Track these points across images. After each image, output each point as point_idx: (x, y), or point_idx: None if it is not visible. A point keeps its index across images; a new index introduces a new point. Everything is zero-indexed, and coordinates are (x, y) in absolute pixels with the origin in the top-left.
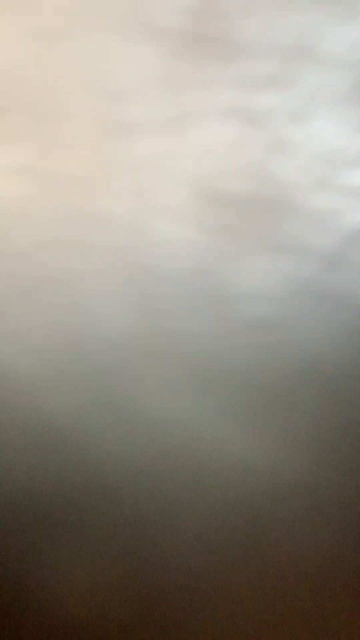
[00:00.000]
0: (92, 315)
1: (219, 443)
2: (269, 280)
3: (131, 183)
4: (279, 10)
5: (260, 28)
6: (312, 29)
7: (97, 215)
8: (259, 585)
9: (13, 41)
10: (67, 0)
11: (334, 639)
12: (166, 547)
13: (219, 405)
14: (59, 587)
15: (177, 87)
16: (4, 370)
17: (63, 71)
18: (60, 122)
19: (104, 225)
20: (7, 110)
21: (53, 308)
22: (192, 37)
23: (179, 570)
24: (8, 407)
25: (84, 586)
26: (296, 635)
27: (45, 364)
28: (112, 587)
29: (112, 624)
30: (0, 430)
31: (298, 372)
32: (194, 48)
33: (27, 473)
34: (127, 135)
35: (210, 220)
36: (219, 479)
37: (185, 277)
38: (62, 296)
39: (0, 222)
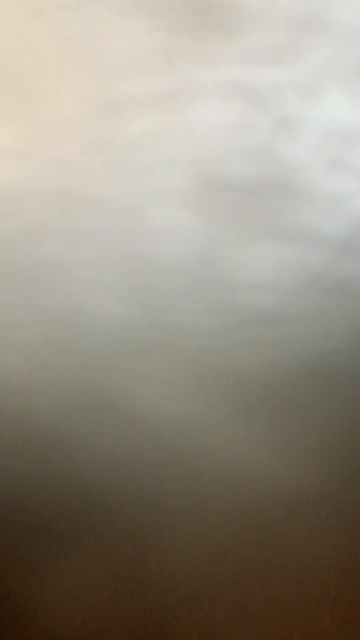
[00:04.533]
0: (83, 308)
1: (219, 447)
2: (275, 270)
3: (126, 165)
4: None
5: None
6: None
7: (89, 199)
8: (262, 600)
9: None
10: None
11: None
12: (164, 557)
13: (220, 406)
14: (50, 602)
15: (175, 62)
16: None
17: (53, 46)
18: (50, 101)
19: (96, 211)
20: None
21: (41, 300)
22: (190, 6)
23: (177, 581)
24: None
25: (77, 601)
26: None
27: (33, 360)
28: (106, 603)
29: None
30: None
31: (305, 370)
32: (193, 19)
33: (11, 479)
34: (121, 114)
35: (212, 205)
36: (219, 486)
37: (185, 266)
38: (51, 287)
39: None
